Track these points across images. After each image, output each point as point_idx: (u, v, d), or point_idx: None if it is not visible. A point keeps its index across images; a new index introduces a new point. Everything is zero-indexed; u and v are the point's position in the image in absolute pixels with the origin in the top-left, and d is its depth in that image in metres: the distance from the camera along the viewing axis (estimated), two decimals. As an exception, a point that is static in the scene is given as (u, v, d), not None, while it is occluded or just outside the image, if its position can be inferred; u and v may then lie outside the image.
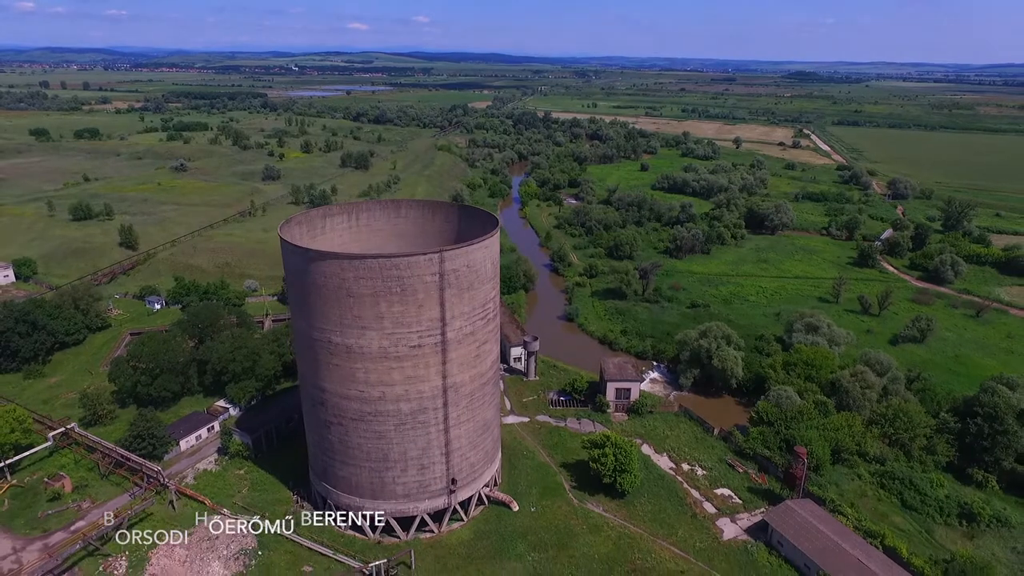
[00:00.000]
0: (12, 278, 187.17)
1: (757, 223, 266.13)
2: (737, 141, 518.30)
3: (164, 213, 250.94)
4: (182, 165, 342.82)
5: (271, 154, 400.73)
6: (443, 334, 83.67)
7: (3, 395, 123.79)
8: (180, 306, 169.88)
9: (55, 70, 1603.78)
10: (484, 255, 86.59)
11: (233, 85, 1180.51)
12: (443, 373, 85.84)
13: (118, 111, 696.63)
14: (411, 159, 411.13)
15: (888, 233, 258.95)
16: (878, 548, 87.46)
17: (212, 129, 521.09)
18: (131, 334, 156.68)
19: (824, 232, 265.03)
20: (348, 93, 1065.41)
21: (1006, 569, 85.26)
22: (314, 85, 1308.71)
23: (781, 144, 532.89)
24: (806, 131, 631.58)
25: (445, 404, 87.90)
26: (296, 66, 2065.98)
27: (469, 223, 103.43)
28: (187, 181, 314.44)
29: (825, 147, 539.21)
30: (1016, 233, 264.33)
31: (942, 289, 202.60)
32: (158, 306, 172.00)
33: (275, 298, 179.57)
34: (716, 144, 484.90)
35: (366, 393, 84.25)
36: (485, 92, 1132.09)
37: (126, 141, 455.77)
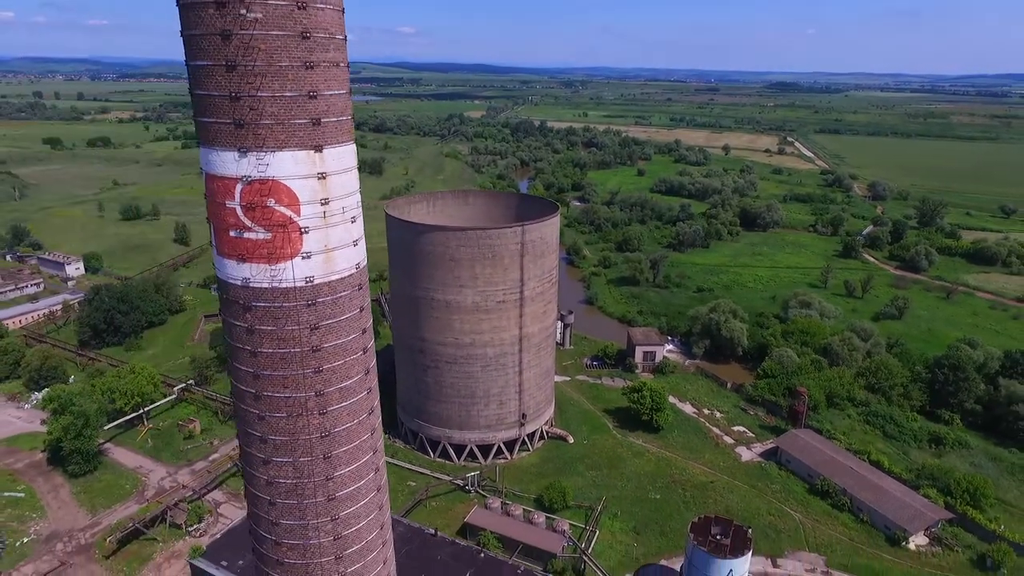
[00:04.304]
0: (83, 270, 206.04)
1: (750, 221, 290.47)
2: (726, 148, 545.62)
3: (205, 213, 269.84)
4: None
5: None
6: (521, 292, 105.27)
7: (120, 360, 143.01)
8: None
9: (40, 80, 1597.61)
10: (550, 231, 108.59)
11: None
12: (520, 324, 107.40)
13: (120, 121, 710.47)
14: (420, 165, 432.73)
15: (869, 229, 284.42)
16: (865, 461, 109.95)
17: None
18: (205, 316, 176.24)
19: (811, 229, 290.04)
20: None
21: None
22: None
23: (767, 151, 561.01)
24: (790, 139, 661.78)
25: (520, 351, 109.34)
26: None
27: (525, 209, 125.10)
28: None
29: (809, 153, 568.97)
30: (984, 229, 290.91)
31: (917, 276, 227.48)
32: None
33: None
34: (707, 151, 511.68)
35: (460, 340, 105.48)
36: (476, 102, 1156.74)
37: (142, 149, 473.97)
